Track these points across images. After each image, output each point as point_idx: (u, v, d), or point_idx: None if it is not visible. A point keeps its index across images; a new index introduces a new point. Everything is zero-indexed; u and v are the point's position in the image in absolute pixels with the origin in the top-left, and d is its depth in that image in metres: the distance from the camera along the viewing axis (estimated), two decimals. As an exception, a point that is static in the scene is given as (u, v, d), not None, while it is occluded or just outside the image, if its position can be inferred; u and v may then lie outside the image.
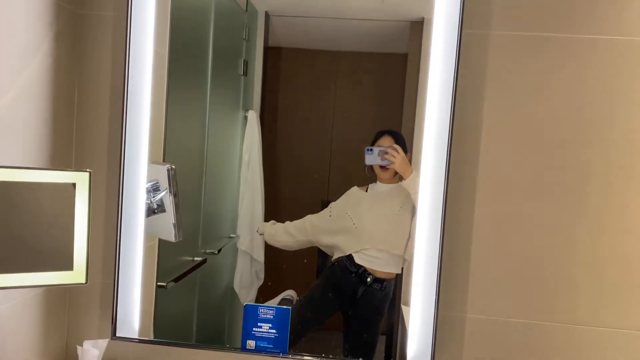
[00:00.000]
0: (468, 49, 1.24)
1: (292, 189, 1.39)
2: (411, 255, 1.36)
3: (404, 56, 1.36)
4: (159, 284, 1.35)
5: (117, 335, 1.35)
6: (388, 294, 1.41)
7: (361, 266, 1.40)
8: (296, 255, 1.43)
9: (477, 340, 1.33)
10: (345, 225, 1.39)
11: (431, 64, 1.22)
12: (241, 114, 1.37)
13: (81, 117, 1.34)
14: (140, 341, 1.37)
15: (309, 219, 1.40)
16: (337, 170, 1.39)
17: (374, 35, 1.38)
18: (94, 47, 1.32)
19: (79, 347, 1.29)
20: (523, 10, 1.25)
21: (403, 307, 1.44)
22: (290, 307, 1.34)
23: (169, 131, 1.32)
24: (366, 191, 1.40)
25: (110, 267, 1.34)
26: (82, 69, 1.32)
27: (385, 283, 1.41)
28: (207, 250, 1.41)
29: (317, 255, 1.42)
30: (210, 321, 1.47)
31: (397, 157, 1.33)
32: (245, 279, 1.42)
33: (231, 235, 1.42)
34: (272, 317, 1.33)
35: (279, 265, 1.43)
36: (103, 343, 1.30)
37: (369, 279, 1.40)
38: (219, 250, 1.41)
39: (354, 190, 1.40)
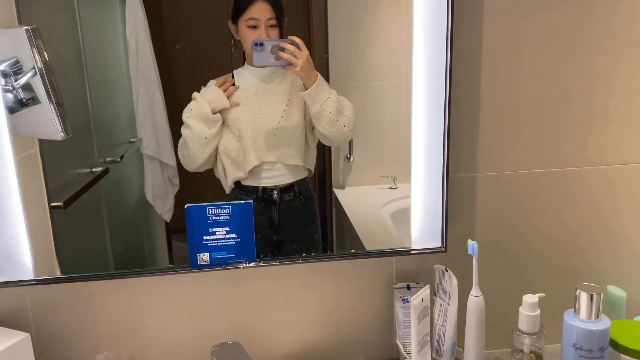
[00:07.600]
0: None
1: (190, 79, 1.22)
2: (313, 165, 1.12)
3: None
4: (52, 204, 1.14)
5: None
6: (307, 190, 1.20)
7: (256, 187, 1.14)
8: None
9: (490, 200, 1.22)
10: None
11: None
12: (116, -9, 1.17)
13: None
14: (39, 282, 1.08)
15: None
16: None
17: None
18: None
19: None
20: None
21: (335, 190, 1.34)
22: (252, 201, 1.03)
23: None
24: (233, 84, 1.06)
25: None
26: None
27: (295, 186, 1.17)
28: (107, 159, 1.23)
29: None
30: (128, 243, 1.31)
31: (299, 56, 0.97)
32: (158, 186, 1.26)
33: (131, 139, 1.24)
34: (228, 217, 0.97)
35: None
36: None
37: (274, 195, 1.16)
38: (122, 157, 1.24)
39: (214, 86, 1.08)
